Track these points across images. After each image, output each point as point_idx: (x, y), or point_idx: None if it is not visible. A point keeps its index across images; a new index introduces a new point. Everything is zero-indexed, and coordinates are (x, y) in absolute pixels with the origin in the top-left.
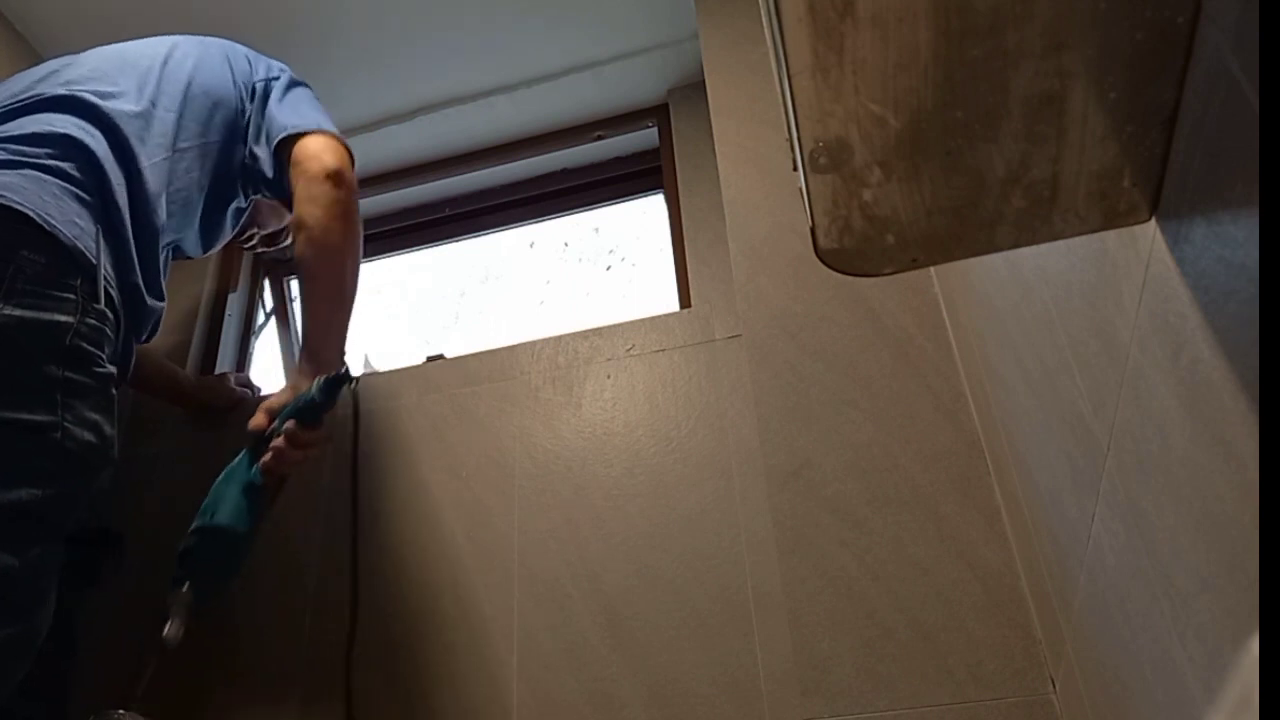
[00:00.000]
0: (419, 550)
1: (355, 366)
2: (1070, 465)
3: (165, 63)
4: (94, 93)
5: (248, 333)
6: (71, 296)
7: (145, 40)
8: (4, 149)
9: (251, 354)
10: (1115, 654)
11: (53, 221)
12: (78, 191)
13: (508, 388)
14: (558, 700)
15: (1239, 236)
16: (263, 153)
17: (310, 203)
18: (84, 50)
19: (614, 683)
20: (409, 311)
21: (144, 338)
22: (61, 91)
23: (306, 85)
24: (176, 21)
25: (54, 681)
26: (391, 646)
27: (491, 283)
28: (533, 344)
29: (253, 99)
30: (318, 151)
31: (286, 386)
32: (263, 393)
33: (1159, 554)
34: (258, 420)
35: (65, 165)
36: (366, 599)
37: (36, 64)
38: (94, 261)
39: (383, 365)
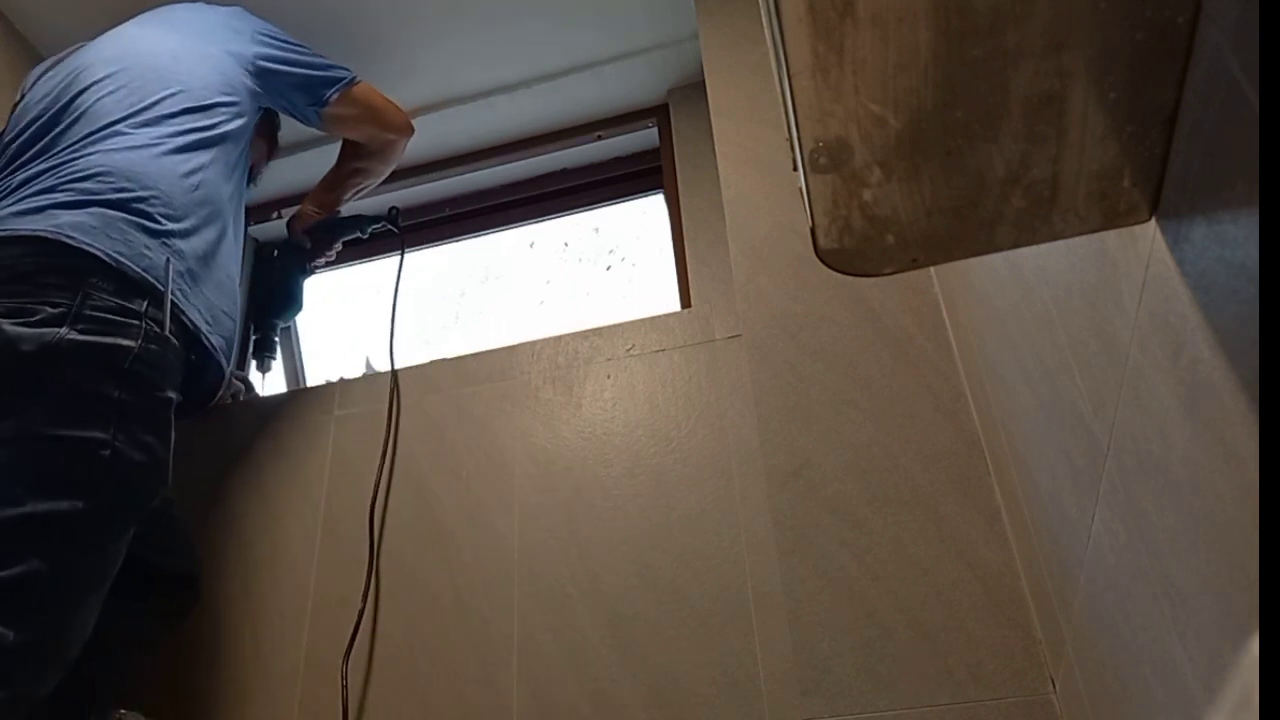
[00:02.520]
0: (419, 550)
1: (358, 363)
2: (1070, 465)
3: (187, 54)
4: (147, 119)
5: (247, 331)
6: (136, 323)
7: (155, 29)
8: (68, 189)
9: (250, 352)
10: (1115, 654)
11: (120, 257)
12: (146, 223)
13: (508, 388)
14: (558, 700)
15: (1239, 236)
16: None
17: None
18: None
19: (614, 683)
20: (409, 311)
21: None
22: (116, 126)
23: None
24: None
25: (78, 684)
26: (391, 647)
27: (491, 283)
28: (533, 344)
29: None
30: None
31: (306, 208)
32: (259, 393)
33: (1159, 554)
34: (295, 228)
35: (129, 198)
36: (369, 599)
37: (33, 60)
38: (162, 289)
39: (383, 366)
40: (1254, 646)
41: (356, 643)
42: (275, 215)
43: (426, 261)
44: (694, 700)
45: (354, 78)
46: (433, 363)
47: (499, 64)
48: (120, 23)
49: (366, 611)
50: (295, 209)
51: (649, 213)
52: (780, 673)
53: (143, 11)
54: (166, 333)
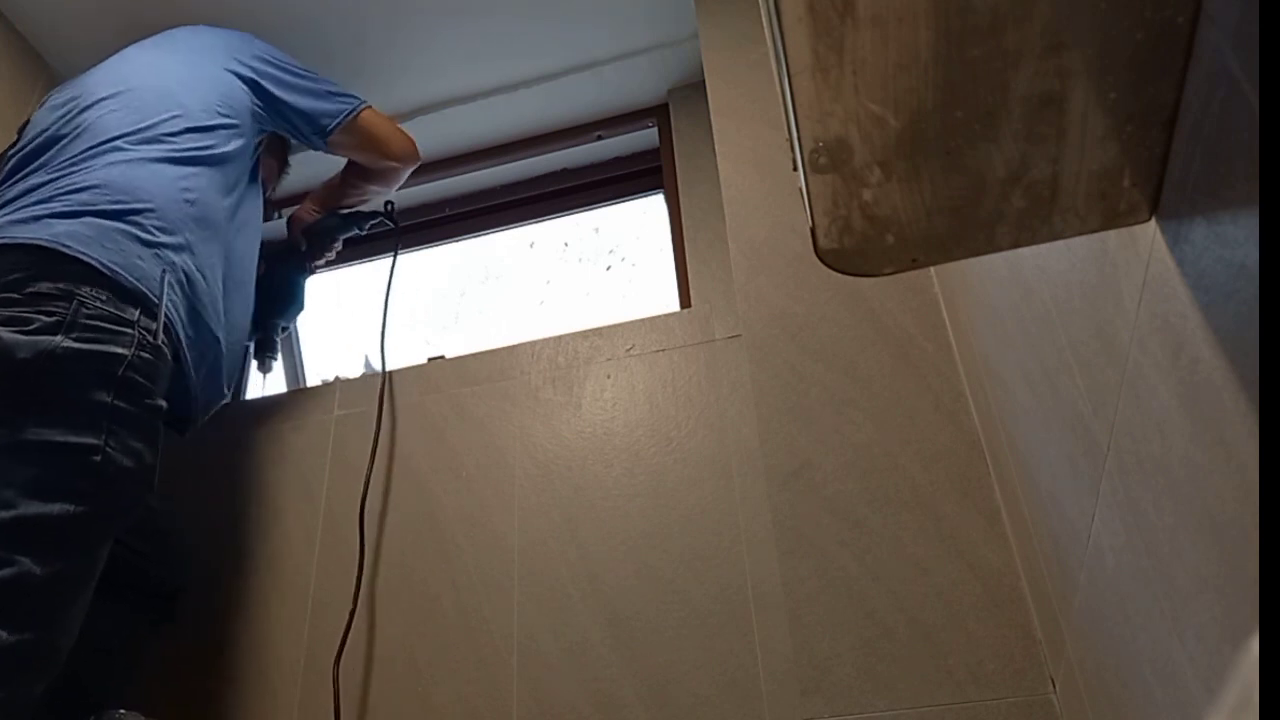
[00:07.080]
0: (419, 550)
1: (357, 360)
2: (1070, 465)
3: (195, 78)
4: (147, 136)
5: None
6: (129, 331)
7: (157, 51)
8: (65, 200)
9: (251, 352)
10: (1115, 654)
11: (114, 266)
12: (139, 234)
13: (508, 388)
14: (558, 700)
15: (1239, 236)
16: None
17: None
18: (95, 63)
19: (614, 683)
20: (409, 312)
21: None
22: (117, 141)
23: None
24: (180, 21)
25: (72, 686)
26: (391, 647)
27: (491, 283)
28: (533, 344)
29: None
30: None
31: (305, 208)
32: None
33: (1159, 554)
34: (294, 228)
35: (124, 209)
36: (366, 599)
37: (38, 64)
38: (156, 300)
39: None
40: (1254, 646)
41: (357, 644)
42: (276, 215)
43: (428, 262)
44: (694, 700)
45: (358, 106)
46: (432, 362)
47: (499, 64)
48: (132, 37)
49: (363, 612)
50: (294, 209)
51: (649, 213)
52: (780, 672)
53: (150, 28)
54: (158, 342)
